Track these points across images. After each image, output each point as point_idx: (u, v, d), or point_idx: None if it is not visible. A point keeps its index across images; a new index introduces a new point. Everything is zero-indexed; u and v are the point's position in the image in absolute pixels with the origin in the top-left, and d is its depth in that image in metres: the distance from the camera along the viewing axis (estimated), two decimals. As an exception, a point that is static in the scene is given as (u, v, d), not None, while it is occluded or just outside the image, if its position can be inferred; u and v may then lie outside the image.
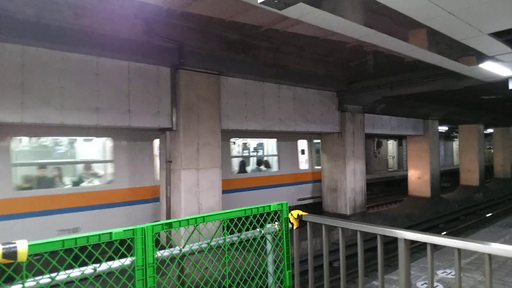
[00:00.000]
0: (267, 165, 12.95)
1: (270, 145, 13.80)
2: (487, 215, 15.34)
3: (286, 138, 12.85)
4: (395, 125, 16.20)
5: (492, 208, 16.96)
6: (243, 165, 12.13)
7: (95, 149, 9.64)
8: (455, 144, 32.15)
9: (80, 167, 9.30)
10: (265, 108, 10.35)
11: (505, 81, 9.27)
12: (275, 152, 12.81)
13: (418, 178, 17.91)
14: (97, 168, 9.39)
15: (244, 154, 13.58)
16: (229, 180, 10.83)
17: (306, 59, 10.72)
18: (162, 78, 8.14)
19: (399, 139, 26.86)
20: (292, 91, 11.16)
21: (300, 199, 13.07)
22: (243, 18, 7.71)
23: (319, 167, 13.66)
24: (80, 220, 8.14)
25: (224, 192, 9.30)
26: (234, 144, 12.32)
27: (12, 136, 7.44)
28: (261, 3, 3.23)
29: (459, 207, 16.55)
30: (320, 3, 4.43)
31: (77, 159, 9.61)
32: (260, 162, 12.96)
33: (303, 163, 13.64)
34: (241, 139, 12.58)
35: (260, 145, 14.31)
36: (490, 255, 2.11)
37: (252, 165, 13.18)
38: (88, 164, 9.30)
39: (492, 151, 27.13)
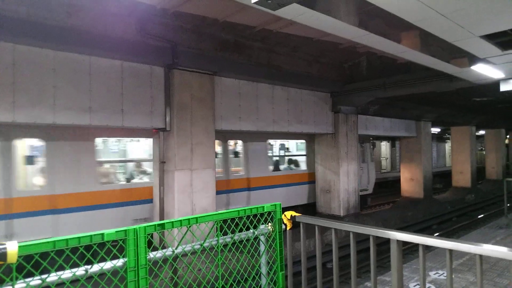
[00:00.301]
0: (297, 164, 13.88)
1: (294, 146, 15.06)
2: (479, 216, 15.48)
3: (312, 140, 13.72)
4: (388, 127, 16.29)
5: (484, 209, 17.13)
6: (277, 164, 13.17)
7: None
8: (448, 146, 32.42)
9: (146, 164, 10.31)
10: (259, 108, 10.35)
11: (496, 83, 9.37)
12: (304, 152, 13.81)
13: (410, 179, 18.03)
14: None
15: (279, 154, 14.65)
16: (267, 177, 11.98)
17: (299, 59, 10.74)
18: (156, 78, 8.10)
19: (392, 140, 27.02)
20: (286, 92, 11.17)
21: None
22: (237, 18, 7.71)
23: None
24: (150, 211, 9.04)
25: (264, 188, 11.35)
26: (271, 145, 13.42)
27: (95, 137, 8.41)
28: (254, 3, 3.22)
29: (451, 208, 16.68)
30: (313, 4, 4.45)
31: (142, 157, 10.59)
32: (290, 161, 13.97)
33: None
34: (272, 140, 13.58)
35: (282, 146, 15.11)
36: (481, 256, 2.12)
37: (281, 164, 13.99)
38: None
39: (484, 152, 27.42)
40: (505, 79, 9.09)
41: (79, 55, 7.02)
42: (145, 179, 9.66)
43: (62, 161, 7.80)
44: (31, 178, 8.03)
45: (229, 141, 11.31)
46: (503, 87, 9.29)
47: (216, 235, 2.66)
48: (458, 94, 13.19)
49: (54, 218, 7.62)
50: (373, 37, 5.75)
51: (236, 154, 11.49)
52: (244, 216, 2.82)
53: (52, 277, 1.91)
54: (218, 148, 10.99)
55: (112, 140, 10.25)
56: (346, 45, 9.75)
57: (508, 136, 28.53)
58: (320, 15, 4.68)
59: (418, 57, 7.13)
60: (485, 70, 7.87)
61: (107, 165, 9.37)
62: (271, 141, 13.22)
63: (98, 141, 8.75)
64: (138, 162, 10.28)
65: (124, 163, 10.41)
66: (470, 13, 4.77)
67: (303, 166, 13.64)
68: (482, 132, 26.67)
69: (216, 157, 10.60)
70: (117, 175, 9.72)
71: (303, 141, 13.68)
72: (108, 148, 10.44)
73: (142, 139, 9.89)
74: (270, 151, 13.69)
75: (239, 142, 11.58)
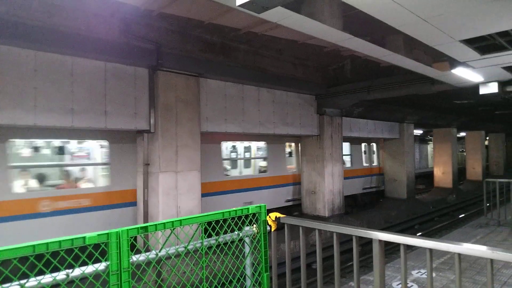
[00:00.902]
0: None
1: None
2: (460, 216, 15.81)
3: (355, 142, 16.91)
4: (372, 128, 16.52)
5: (465, 209, 17.51)
6: None
7: (258, 149, 14.10)
8: (430, 147, 33.05)
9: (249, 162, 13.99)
10: (245, 110, 10.36)
11: (476, 87, 9.61)
12: (349, 152, 16.83)
13: (394, 180, 18.31)
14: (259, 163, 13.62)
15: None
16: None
17: (285, 62, 10.81)
18: (140, 79, 8.03)
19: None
20: (272, 94, 11.22)
21: (364, 188, 17.29)
22: (222, 21, 7.71)
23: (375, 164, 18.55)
24: (253, 197, 11.88)
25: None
26: None
27: (221, 141, 11.35)
28: (239, 5, 3.24)
29: (433, 209, 16.99)
30: (298, 8, 4.49)
31: (251, 156, 14.21)
32: None
33: (365, 161, 17.92)
34: None
35: None
36: (459, 255, 2.18)
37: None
38: (254, 160, 13.80)
39: (465, 154, 28.05)
40: (484, 83, 9.34)
41: (61, 55, 6.90)
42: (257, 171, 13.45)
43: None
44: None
45: (300, 143, 13.96)
46: (482, 90, 9.55)
47: (201, 237, 2.65)
48: (440, 97, 13.49)
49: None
50: (357, 40, 5.84)
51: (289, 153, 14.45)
52: (229, 218, 2.82)
53: (32, 282, 1.87)
54: (293, 149, 14.18)
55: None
56: (331, 49, 9.86)
57: (487, 138, 29.27)
58: (304, 18, 4.73)
59: (400, 60, 7.27)
60: (465, 74, 8.07)
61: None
62: None
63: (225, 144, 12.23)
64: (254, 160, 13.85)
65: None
66: (450, 19, 4.90)
67: (348, 164, 16.86)
68: (463, 134, 27.28)
69: (290, 155, 14.04)
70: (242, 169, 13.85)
71: (348, 142, 16.75)
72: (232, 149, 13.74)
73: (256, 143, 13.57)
74: None
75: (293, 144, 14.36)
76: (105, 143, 8.65)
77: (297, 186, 13.67)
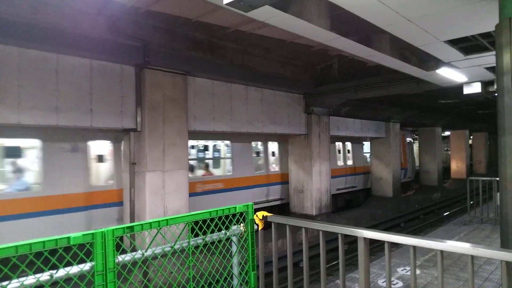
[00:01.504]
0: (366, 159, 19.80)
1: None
2: (445, 214, 16.09)
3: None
4: (359, 128, 16.68)
5: (450, 207, 17.82)
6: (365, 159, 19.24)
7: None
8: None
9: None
10: (233, 109, 10.35)
11: (460, 87, 9.80)
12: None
13: (380, 178, 18.53)
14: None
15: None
16: (354, 167, 17.75)
17: (273, 61, 10.83)
18: (126, 77, 7.94)
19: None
20: (260, 93, 11.23)
21: None
22: (210, 19, 7.68)
23: None
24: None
25: (355, 174, 17.62)
26: (362, 144, 19.04)
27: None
28: (226, 4, 3.23)
29: (419, 207, 17.25)
30: (286, 7, 4.51)
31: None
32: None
33: None
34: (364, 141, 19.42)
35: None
36: (442, 252, 2.22)
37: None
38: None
39: (449, 152, 28.56)
40: (468, 83, 9.53)
41: (46, 53, 6.78)
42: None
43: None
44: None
45: (344, 143, 17.10)
46: (466, 90, 9.74)
47: (188, 237, 2.64)
48: (425, 96, 13.70)
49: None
50: (343, 40, 5.88)
51: (347, 151, 17.51)
52: (216, 217, 2.82)
53: (14, 283, 1.84)
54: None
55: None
56: (318, 48, 9.91)
57: (471, 137, 29.86)
58: (292, 17, 4.75)
59: (386, 60, 7.35)
60: (449, 74, 8.21)
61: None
62: (364, 142, 19.02)
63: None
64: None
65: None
66: (435, 19, 4.98)
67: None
68: (447, 133, 27.76)
69: (339, 152, 16.88)
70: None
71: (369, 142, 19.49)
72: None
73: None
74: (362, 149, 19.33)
75: (348, 143, 17.42)
76: (228, 142, 11.90)
77: (342, 178, 16.67)
